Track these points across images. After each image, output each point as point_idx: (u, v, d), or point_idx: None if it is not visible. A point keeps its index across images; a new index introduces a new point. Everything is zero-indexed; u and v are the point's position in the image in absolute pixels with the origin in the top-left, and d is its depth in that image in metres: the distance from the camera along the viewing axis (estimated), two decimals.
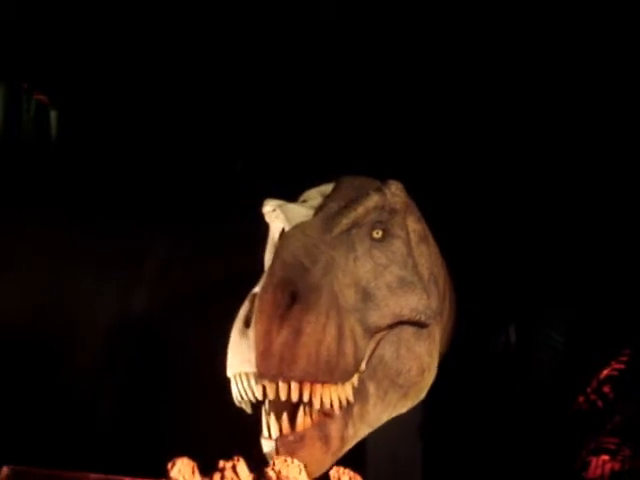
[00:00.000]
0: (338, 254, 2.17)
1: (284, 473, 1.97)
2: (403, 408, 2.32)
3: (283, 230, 2.31)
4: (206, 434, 2.73)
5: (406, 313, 2.23)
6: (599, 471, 2.50)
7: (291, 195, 2.45)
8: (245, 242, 2.94)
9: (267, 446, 2.09)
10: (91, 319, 3.13)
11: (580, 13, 2.97)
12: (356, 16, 3.14)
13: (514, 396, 2.95)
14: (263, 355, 1.94)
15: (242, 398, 2.07)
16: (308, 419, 2.07)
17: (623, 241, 2.96)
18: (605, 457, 2.52)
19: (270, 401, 2.09)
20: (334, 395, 2.05)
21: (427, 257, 2.43)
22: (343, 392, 2.07)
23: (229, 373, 2.09)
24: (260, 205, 2.42)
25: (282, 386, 1.97)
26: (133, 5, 3.11)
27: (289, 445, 2.04)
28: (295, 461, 1.96)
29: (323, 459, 2.09)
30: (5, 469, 1.98)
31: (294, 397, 1.99)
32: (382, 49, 3.18)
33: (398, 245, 2.30)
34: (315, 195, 2.40)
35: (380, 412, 2.22)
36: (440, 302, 2.45)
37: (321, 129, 3.26)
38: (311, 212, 2.28)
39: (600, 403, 2.65)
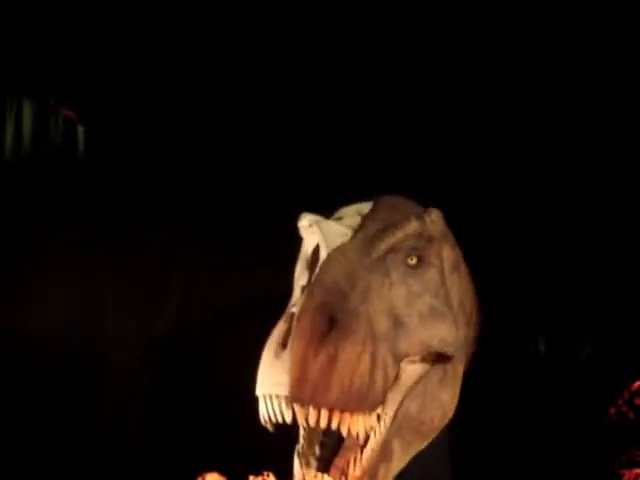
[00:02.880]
0: (375, 279, 2.15)
1: None
2: (421, 448, 2.30)
3: (317, 246, 2.29)
4: (236, 449, 2.72)
5: (435, 344, 2.21)
6: None
7: (318, 211, 2.43)
8: (273, 257, 2.94)
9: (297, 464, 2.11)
10: (120, 334, 3.14)
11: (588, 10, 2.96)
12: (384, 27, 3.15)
13: (545, 409, 2.92)
14: (298, 380, 1.93)
15: (269, 419, 2.06)
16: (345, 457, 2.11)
17: None
18: (638, 470, 2.49)
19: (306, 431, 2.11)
20: (360, 424, 2.03)
21: (458, 286, 2.41)
22: (369, 421, 2.06)
23: (259, 392, 2.08)
24: (288, 220, 2.41)
25: (312, 412, 1.96)
26: (156, 23, 3.14)
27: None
28: (326, 476, 1.96)
29: None
30: None
31: (323, 424, 1.97)
32: (408, 61, 3.18)
33: (432, 274, 2.28)
34: (352, 213, 2.37)
35: (403, 462, 2.21)
36: (466, 329, 2.43)
37: (346, 145, 3.26)
38: (348, 231, 2.25)
39: (632, 415, 2.61)
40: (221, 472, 2.11)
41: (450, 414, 2.31)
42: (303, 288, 2.26)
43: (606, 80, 3.04)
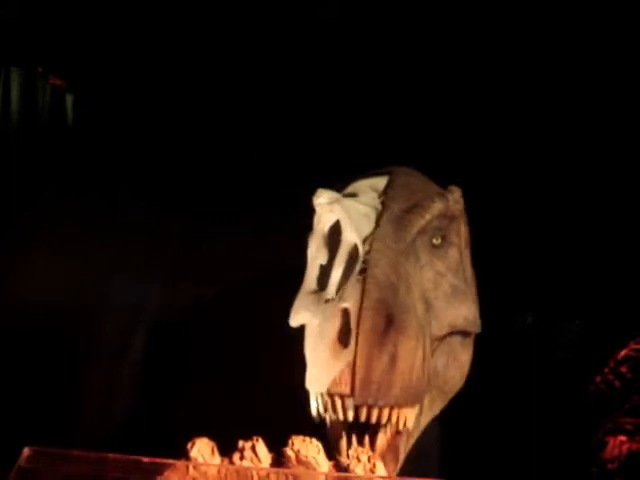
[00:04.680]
0: (410, 265, 2.14)
1: (303, 452, 1.98)
2: (438, 411, 2.33)
3: (336, 225, 2.25)
4: (226, 414, 2.74)
5: (460, 323, 2.23)
6: (616, 452, 2.50)
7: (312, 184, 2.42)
8: (269, 232, 2.95)
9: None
10: (111, 306, 3.14)
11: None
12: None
13: (531, 376, 2.95)
14: (363, 382, 1.94)
15: (324, 415, 2.09)
16: (384, 440, 2.09)
17: None
18: (622, 438, 2.52)
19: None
20: (410, 416, 2.06)
21: (469, 260, 2.41)
22: (415, 411, 2.09)
23: (316, 389, 2.08)
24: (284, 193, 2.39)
25: (375, 411, 1.98)
26: None
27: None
28: (314, 440, 1.97)
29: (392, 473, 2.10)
30: (26, 450, 2.00)
31: (383, 421, 2.01)
32: (412, 44, 3.17)
33: (453, 252, 2.28)
34: (365, 189, 2.32)
35: (427, 419, 2.24)
36: (478, 305, 2.42)
37: (341, 119, 3.25)
38: (368, 210, 2.20)
39: (618, 383, 2.64)
40: (211, 437, 2.12)
41: (465, 379, 2.34)
42: (323, 267, 2.25)
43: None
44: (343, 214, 2.19)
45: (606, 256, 3.03)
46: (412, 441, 2.23)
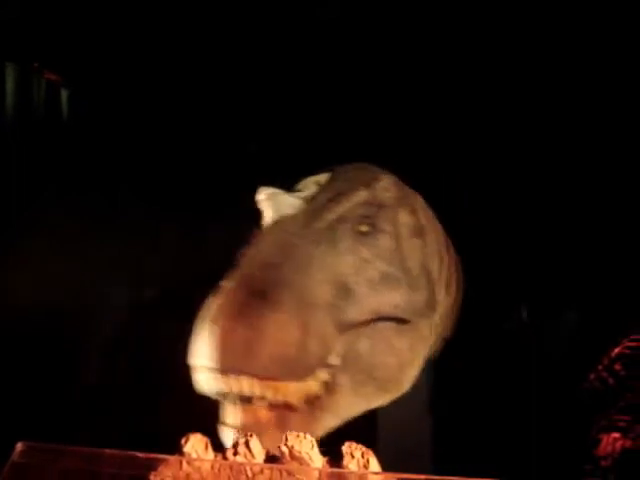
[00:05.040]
0: (318, 249, 2.15)
1: (297, 448, 1.98)
2: (381, 401, 2.31)
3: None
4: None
5: (385, 310, 2.22)
6: (609, 448, 2.51)
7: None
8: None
9: (226, 433, 2.10)
10: (105, 306, 3.14)
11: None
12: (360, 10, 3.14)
13: (526, 373, 2.96)
14: (223, 351, 1.96)
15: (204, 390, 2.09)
16: (268, 410, 2.08)
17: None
18: (616, 435, 2.52)
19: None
20: (296, 391, 2.06)
21: (420, 250, 2.41)
22: (306, 388, 2.08)
23: (192, 363, 2.10)
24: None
25: (244, 381, 1.99)
26: None
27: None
28: (308, 436, 1.97)
29: None
30: (20, 445, 2.00)
31: (256, 392, 2.00)
32: (390, 41, 3.18)
33: (385, 240, 2.28)
34: (311, 185, 2.39)
35: (354, 404, 2.21)
36: (431, 294, 2.42)
37: (335, 114, 3.26)
38: (299, 202, 2.26)
39: (611, 380, 2.64)
40: (205, 433, 2.12)
41: (411, 370, 2.31)
42: None
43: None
44: (269, 208, 2.27)
45: (601, 252, 3.03)
46: (331, 422, 2.20)
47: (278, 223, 2.20)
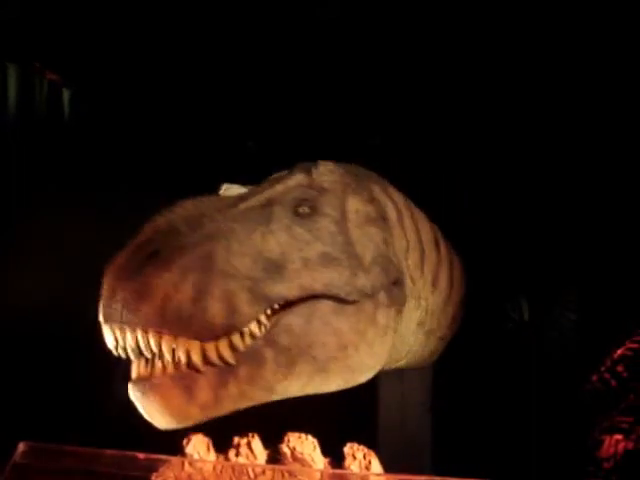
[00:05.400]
0: (241, 226, 2.16)
1: (299, 449, 1.99)
2: (326, 384, 2.24)
3: None
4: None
5: (318, 287, 2.18)
6: (612, 450, 2.50)
7: None
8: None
9: (128, 389, 2.10)
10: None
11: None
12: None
13: (527, 374, 2.96)
14: (107, 302, 2.01)
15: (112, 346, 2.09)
16: (169, 366, 2.05)
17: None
18: (618, 436, 2.51)
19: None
20: (197, 350, 2.03)
21: (376, 239, 2.38)
22: (212, 350, 2.04)
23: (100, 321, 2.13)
24: None
25: (129, 333, 2.00)
26: None
27: (141, 389, 2.05)
28: (309, 437, 1.98)
29: (185, 409, 2.04)
30: (21, 445, 2.01)
31: (142, 344, 2.00)
32: (390, 41, 3.19)
33: (326, 223, 2.28)
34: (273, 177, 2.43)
35: (285, 382, 2.15)
36: (388, 283, 2.37)
37: (335, 114, 3.26)
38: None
39: (614, 382, 2.64)
40: (206, 433, 2.12)
41: (355, 352, 2.25)
42: None
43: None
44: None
45: (603, 253, 3.03)
46: (258, 396, 2.14)
47: (194, 200, 2.22)
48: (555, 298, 3.08)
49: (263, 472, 1.95)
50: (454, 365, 2.57)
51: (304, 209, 2.27)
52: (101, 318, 2.05)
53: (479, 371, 2.91)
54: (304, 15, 3.19)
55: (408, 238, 2.55)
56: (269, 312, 2.10)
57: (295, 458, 1.99)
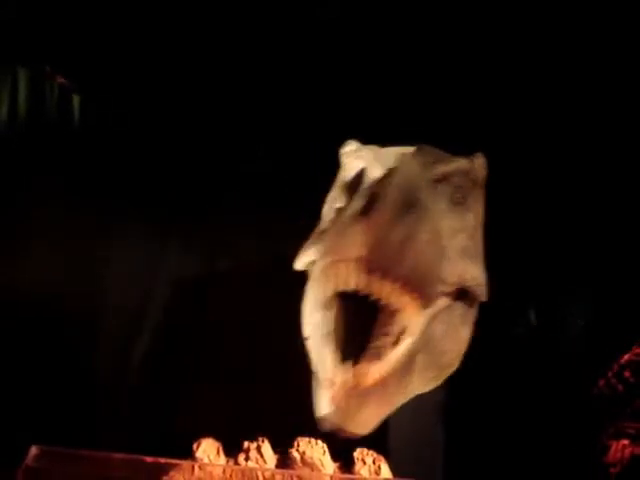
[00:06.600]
0: (431, 199, 2.14)
1: (308, 454, 2.00)
2: (427, 388, 2.28)
3: (361, 171, 2.23)
4: (231, 415, 2.75)
5: (469, 280, 2.18)
6: (619, 455, 2.50)
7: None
8: (269, 226, 2.97)
9: (324, 407, 1.95)
10: (116, 303, 3.15)
11: None
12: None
13: (535, 379, 2.96)
14: (377, 245, 1.91)
15: (329, 291, 2.01)
16: (386, 347, 2.02)
17: None
18: (625, 441, 2.52)
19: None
20: (415, 320, 2.01)
21: (480, 236, 2.39)
22: (416, 319, 2.02)
23: (322, 262, 2.01)
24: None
25: (385, 284, 1.93)
26: None
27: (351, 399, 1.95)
28: (319, 442, 1.99)
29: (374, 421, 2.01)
30: (33, 449, 2.02)
31: (388, 299, 1.94)
32: (390, 41, 3.19)
33: (470, 217, 2.27)
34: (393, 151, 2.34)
35: (415, 387, 2.18)
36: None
37: (335, 114, 3.26)
38: (395, 155, 2.23)
39: (621, 387, 2.64)
40: (217, 437, 2.13)
41: (460, 358, 2.29)
42: (339, 210, 2.21)
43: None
44: (370, 156, 2.24)
45: (612, 259, 3.03)
46: (400, 402, 2.16)
47: (402, 164, 2.13)
48: (563, 303, 3.08)
49: (272, 476, 1.95)
50: (463, 370, 2.57)
51: (458, 197, 2.25)
52: (353, 256, 1.92)
53: (489, 377, 2.91)
54: (304, 15, 3.19)
55: None
56: None
57: (305, 463, 2.00)
